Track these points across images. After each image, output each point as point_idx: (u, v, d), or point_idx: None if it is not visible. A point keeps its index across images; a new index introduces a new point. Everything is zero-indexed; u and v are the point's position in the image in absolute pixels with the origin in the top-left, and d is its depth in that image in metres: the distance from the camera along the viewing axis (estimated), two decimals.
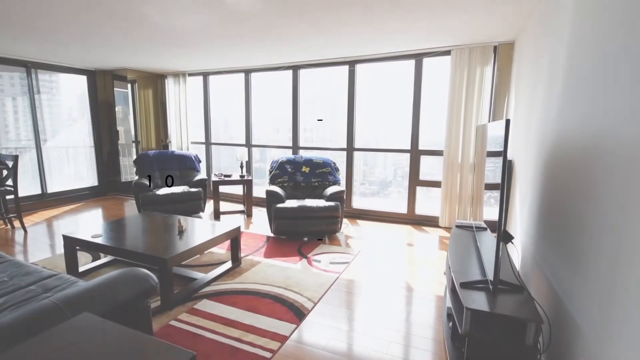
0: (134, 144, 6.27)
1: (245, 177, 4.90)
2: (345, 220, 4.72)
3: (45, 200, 5.35)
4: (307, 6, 2.75)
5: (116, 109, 6.06)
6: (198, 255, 3.32)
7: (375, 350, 1.99)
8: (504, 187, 1.59)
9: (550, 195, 1.85)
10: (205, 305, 2.44)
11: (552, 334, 1.59)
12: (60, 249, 3.53)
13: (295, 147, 5.33)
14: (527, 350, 1.45)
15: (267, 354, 1.92)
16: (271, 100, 5.83)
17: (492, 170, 2.09)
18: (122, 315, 1.52)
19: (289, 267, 3.13)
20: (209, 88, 6.03)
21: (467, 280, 1.73)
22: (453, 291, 1.90)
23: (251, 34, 3.56)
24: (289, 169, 4.42)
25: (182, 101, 6.08)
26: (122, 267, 1.84)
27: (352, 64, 4.70)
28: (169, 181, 4.94)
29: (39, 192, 5.34)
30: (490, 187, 2.19)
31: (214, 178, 4.88)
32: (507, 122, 1.56)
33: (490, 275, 1.67)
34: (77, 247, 2.85)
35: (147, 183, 4.54)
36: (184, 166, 5.18)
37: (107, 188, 6.24)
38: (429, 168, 4.57)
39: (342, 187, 4.29)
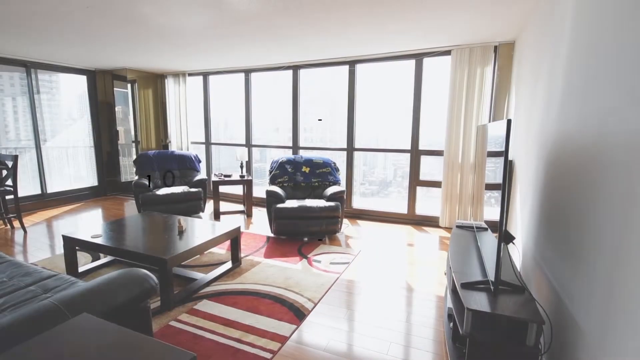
0: (133, 144, 6.27)
1: (245, 177, 4.90)
2: (345, 221, 4.71)
3: (45, 201, 5.34)
4: (307, 6, 2.75)
5: (116, 109, 6.06)
6: (198, 256, 3.31)
7: (375, 351, 1.98)
8: (505, 187, 1.59)
9: (551, 195, 1.84)
10: (205, 305, 2.44)
11: (554, 334, 1.58)
12: (59, 249, 3.53)
13: (295, 147, 5.33)
14: (528, 351, 1.44)
15: (268, 355, 1.92)
16: (271, 100, 5.82)
17: (493, 171, 2.09)
18: (122, 316, 1.51)
19: (289, 267, 3.12)
20: (209, 88, 6.03)
21: (468, 281, 1.73)
22: (454, 291, 1.89)
23: (251, 34, 3.56)
24: (289, 169, 4.41)
25: (182, 101, 6.07)
26: (122, 268, 1.84)
27: (352, 63, 4.69)
28: (169, 179, 4.93)
29: (39, 192, 5.33)
30: (490, 187, 2.18)
31: (214, 178, 4.88)
32: (509, 122, 1.56)
33: (491, 276, 1.67)
34: (77, 248, 2.85)
35: (147, 183, 4.54)
36: (184, 166, 5.18)
37: (107, 188, 6.24)
38: (429, 168, 4.57)
39: (342, 187, 4.29)
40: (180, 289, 2.64)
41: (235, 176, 4.98)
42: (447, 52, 4.06)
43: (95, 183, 6.14)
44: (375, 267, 3.17)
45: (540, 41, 2.48)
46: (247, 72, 5.54)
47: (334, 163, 4.54)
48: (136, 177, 4.71)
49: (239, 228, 3.11)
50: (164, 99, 6.28)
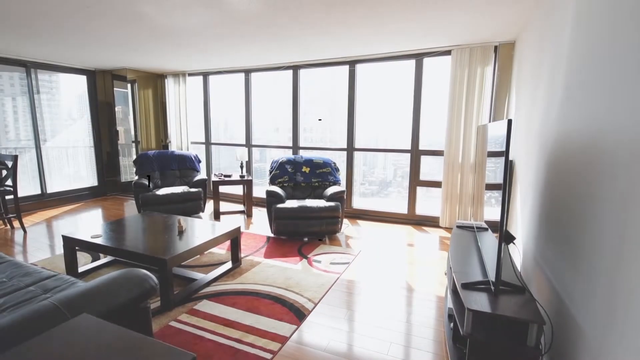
0: (133, 144, 6.27)
1: (245, 177, 4.89)
2: (345, 221, 4.71)
3: (45, 201, 5.34)
4: (307, 6, 2.75)
5: (116, 109, 6.06)
6: (198, 256, 3.31)
7: (375, 352, 1.98)
8: (506, 187, 1.58)
9: (552, 195, 1.84)
10: (205, 305, 2.44)
11: (554, 334, 1.58)
12: (59, 249, 3.52)
13: (296, 147, 5.33)
14: (529, 352, 1.44)
15: (268, 355, 1.92)
16: (271, 100, 5.82)
17: (493, 171, 2.08)
18: (122, 316, 1.51)
19: (289, 267, 3.12)
20: (209, 88, 6.03)
21: (468, 281, 1.72)
22: (454, 292, 1.89)
23: (251, 34, 3.56)
24: (289, 169, 4.41)
25: (182, 101, 6.07)
26: (122, 268, 1.83)
27: (352, 63, 4.69)
28: (168, 179, 4.92)
29: (39, 192, 5.33)
30: (491, 187, 2.18)
31: (214, 178, 4.87)
32: (509, 122, 1.55)
33: (491, 276, 1.66)
34: (77, 248, 2.84)
35: (147, 183, 4.54)
36: (184, 166, 5.18)
37: (106, 188, 6.23)
38: (429, 168, 4.57)
39: (342, 187, 4.29)
40: (180, 289, 2.64)
41: (235, 176, 4.98)
42: (447, 52, 4.05)
43: (95, 183, 6.14)
44: (375, 267, 3.17)
45: (540, 41, 2.48)
46: (247, 72, 5.54)
47: (334, 163, 4.53)
48: (136, 177, 4.70)
49: (239, 228, 3.11)
50: (164, 99, 6.28)
